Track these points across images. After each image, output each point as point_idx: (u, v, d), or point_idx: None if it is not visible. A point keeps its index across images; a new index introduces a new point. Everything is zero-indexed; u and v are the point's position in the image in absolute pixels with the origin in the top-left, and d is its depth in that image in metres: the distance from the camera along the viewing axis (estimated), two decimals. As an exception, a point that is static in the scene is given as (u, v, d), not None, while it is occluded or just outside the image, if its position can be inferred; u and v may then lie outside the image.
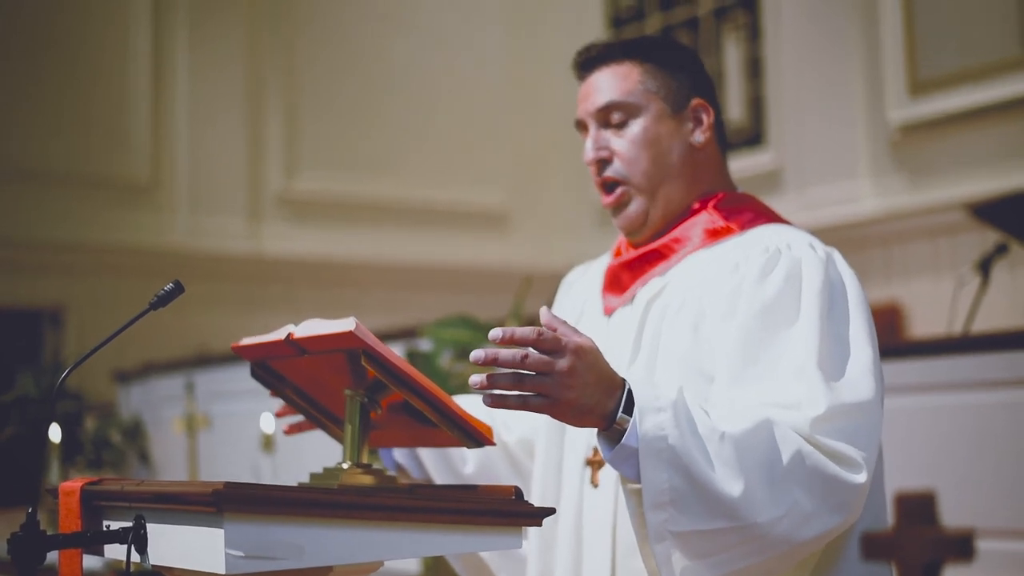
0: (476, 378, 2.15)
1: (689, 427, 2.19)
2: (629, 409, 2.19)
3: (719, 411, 2.28)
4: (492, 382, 2.14)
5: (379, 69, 11.09)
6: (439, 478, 2.77)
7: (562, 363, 2.14)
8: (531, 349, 2.14)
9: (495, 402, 2.17)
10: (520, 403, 2.17)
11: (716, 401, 2.37)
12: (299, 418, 2.65)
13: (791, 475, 2.22)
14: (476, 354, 2.13)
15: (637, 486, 2.22)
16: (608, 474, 2.56)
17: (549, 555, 2.64)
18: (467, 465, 2.80)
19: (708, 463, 2.18)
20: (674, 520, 2.19)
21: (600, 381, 2.18)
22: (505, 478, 2.83)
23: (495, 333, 2.14)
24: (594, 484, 2.57)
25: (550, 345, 2.14)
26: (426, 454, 2.75)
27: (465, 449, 2.80)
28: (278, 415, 2.60)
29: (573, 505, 2.60)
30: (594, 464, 2.60)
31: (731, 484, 2.18)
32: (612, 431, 2.21)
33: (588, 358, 2.17)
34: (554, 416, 2.21)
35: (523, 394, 2.16)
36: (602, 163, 2.65)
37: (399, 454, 2.72)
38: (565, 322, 2.21)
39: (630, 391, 2.21)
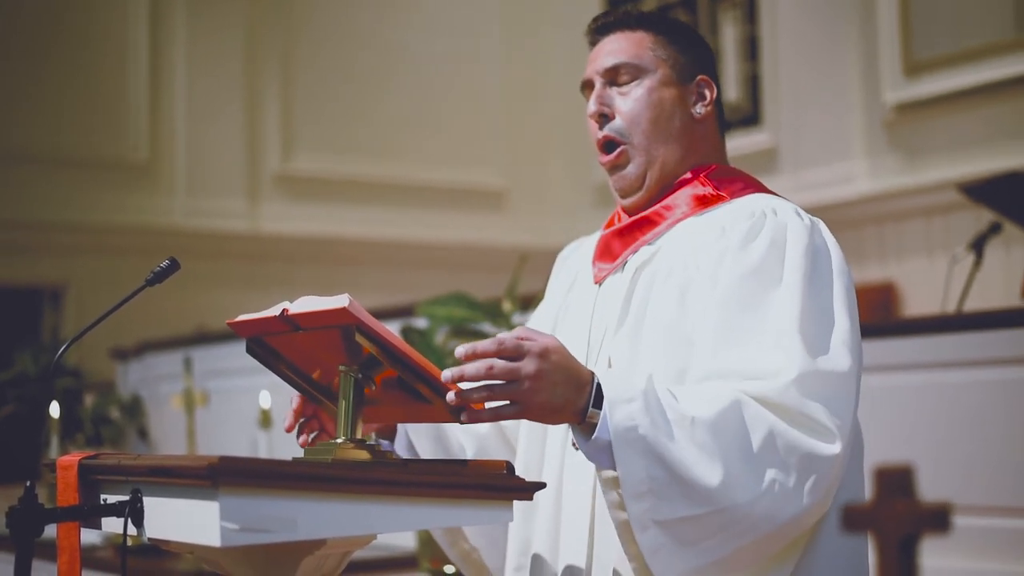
0: (451, 396, 2.19)
1: (660, 415, 2.21)
2: (598, 402, 2.22)
3: (689, 393, 2.29)
4: (463, 398, 2.18)
5: (377, 50, 11.09)
6: None
7: (528, 367, 2.17)
8: (496, 359, 2.17)
9: (470, 417, 2.20)
10: (493, 414, 2.20)
11: (696, 365, 2.38)
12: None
13: (765, 457, 2.23)
14: (445, 374, 2.18)
15: (612, 474, 2.24)
16: None
17: (529, 518, 2.66)
18: (466, 453, 2.82)
19: (682, 449, 2.20)
20: (656, 509, 2.21)
21: (568, 379, 2.21)
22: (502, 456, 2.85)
23: (459, 351, 2.18)
24: (575, 446, 2.60)
25: (512, 352, 2.18)
26: (424, 446, 2.77)
27: (464, 441, 2.83)
28: (287, 430, 2.63)
29: (555, 467, 2.62)
30: None
31: (707, 467, 2.20)
32: (585, 425, 2.23)
33: (553, 358, 2.20)
34: (528, 419, 2.24)
35: (494, 404, 2.20)
36: (603, 119, 2.67)
37: (397, 444, 2.75)
38: (527, 328, 2.25)
39: (599, 385, 2.23)
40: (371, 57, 11.08)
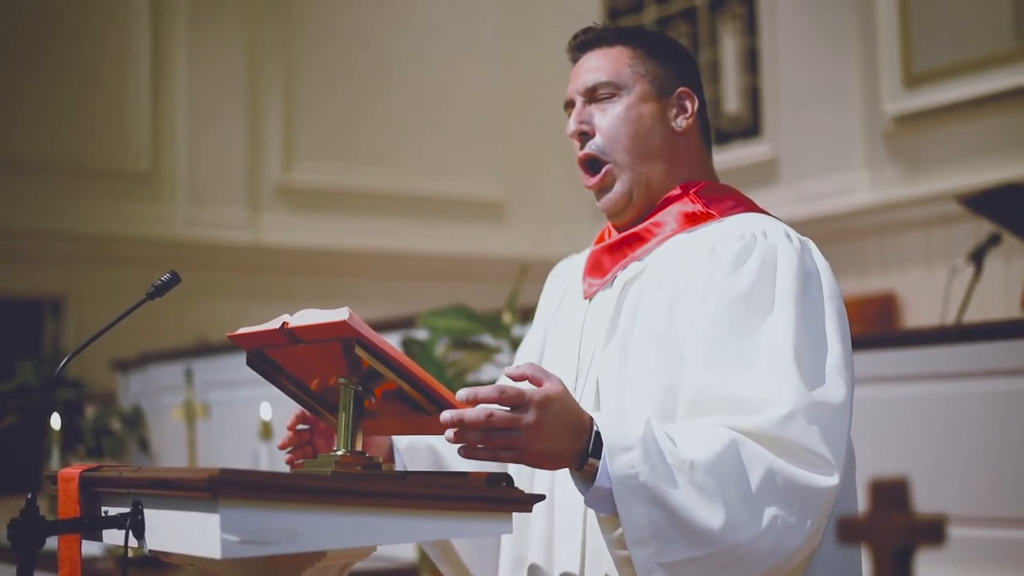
0: (449, 434, 2.19)
1: (660, 460, 2.21)
2: (597, 449, 2.23)
3: (686, 435, 2.29)
4: (461, 438, 2.18)
5: (377, 60, 11.11)
6: None
7: (527, 418, 2.17)
8: (496, 407, 2.18)
9: (468, 454, 2.21)
10: (491, 456, 2.21)
11: (686, 387, 2.39)
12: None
13: (765, 496, 2.24)
14: (444, 416, 2.18)
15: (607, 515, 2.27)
16: None
17: (523, 531, 2.67)
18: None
19: (683, 493, 2.20)
20: (660, 552, 2.22)
21: (567, 428, 2.21)
22: None
23: (461, 395, 2.19)
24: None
25: (513, 401, 2.17)
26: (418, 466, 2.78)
27: (459, 457, 2.83)
28: (281, 447, 2.64)
29: (547, 480, 2.62)
30: None
31: (709, 510, 2.21)
32: (584, 471, 2.24)
33: (554, 406, 2.20)
34: (526, 464, 2.25)
35: (493, 447, 2.20)
36: (584, 137, 2.68)
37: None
38: (536, 366, 2.25)
39: (598, 433, 2.23)
40: (372, 69, 11.10)
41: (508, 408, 2.19)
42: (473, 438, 2.18)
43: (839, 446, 2.33)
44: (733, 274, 2.46)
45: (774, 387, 2.32)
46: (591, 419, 2.26)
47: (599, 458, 2.22)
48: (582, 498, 2.51)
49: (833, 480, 2.30)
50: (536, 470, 2.66)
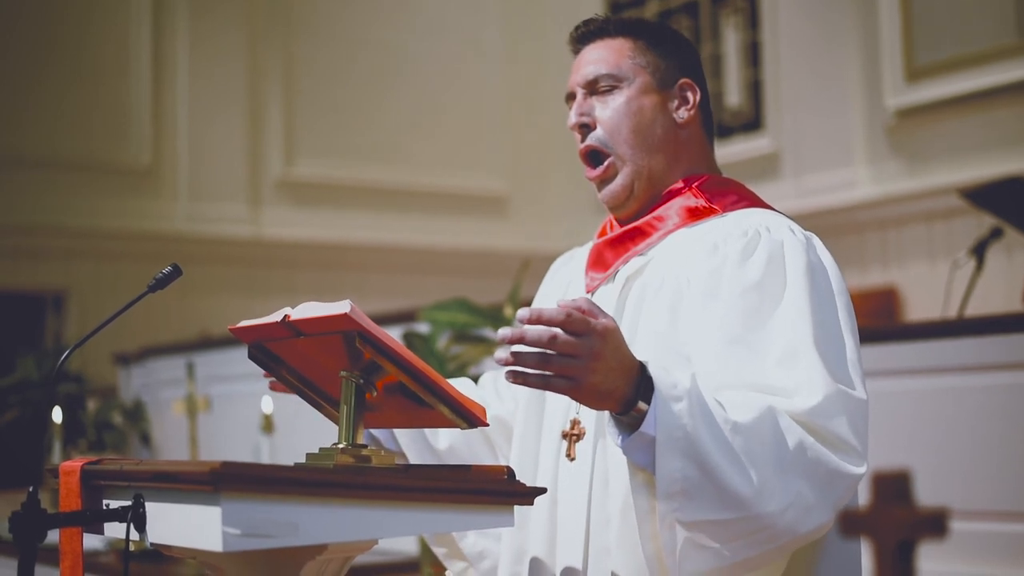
0: (501, 354, 2.13)
1: (704, 417, 2.17)
2: (645, 394, 2.18)
3: (725, 397, 2.26)
4: (518, 359, 2.12)
5: (379, 55, 11.10)
6: (412, 453, 2.79)
7: (591, 346, 2.12)
8: (559, 330, 2.12)
9: (517, 379, 2.15)
10: (542, 383, 2.15)
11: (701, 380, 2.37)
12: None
13: (795, 466, 2.22)
14: (503, 331, 2.11)
15: (644, 477, 2.22)
16: (584, 447, 2.55)
17: (524, 528, 2.66)
18: (439, 441, 2.82)
19: (721, 454, 2.17)
20: (683, 509, 2.18)
21: (621, 367, 2.16)
22: (478, 456, 2.85)
23: (522, 313, 2.12)
24: (570, 457, 2.57)
25: (579, 327, 2.11)
26: (404, 440, 2.78)
27: (441, 434, 2.82)
28: (272, 387, 2.63)
29: (549, 477, 2.61)
30: (571, 437, 2.58)
31: (741, 475, 2.18)
32: (630, 417, 2.19)
33: (613, 340, 2.15)
34: (574, 398, 2.19)
35: (546, 374, 2.14)
36: (584, 129, 2.67)
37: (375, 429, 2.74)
38: (590, 300, 2.18)
39: (648, 377, 2.19)
40: (373, 63, 11.09)
41: (571, 334, 2.13)
42: (531, 360, 2.12)
43: (865, 438, 2.32)
44: (741, 267, 2.45)
45: (799, 376, 2.31)
46: (641, 363, 2.21)
47: (647, 403, 2.18)
48: (585, 494, 2.50)
49: (860, 469, 2.29)
50: (538, 469, 2.66)
